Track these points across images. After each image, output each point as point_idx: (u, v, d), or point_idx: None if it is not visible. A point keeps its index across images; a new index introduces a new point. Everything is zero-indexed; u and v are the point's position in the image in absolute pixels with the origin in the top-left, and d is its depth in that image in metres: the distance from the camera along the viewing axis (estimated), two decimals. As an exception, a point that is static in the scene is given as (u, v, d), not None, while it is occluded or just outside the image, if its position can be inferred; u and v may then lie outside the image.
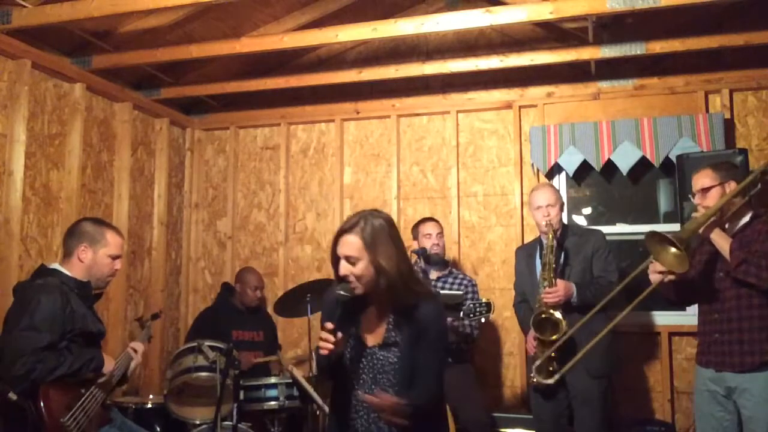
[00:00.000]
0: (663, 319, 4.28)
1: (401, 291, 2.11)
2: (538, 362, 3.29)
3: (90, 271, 2.85)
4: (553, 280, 3.38)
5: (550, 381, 3.14)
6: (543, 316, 3.34)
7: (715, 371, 2.87)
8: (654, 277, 2.87)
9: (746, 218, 2.87)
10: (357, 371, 2.16)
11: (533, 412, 3.65)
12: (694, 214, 2.89)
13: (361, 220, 2.13)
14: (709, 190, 2.86)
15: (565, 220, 3.71)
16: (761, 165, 2.89)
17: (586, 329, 3.12)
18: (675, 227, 3.97)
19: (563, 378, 3.37)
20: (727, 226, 2.87)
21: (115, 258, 2.91)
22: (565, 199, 3.86)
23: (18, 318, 2.61)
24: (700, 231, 2.81)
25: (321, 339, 2.06)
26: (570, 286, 3.37)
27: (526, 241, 4.57)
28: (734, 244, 2.75)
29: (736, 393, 2.80)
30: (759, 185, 2.83)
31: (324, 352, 2.06)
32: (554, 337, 3.26)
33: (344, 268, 2.11)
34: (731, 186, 2.83)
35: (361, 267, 2.09)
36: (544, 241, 3.50)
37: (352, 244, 2.10)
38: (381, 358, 2.15)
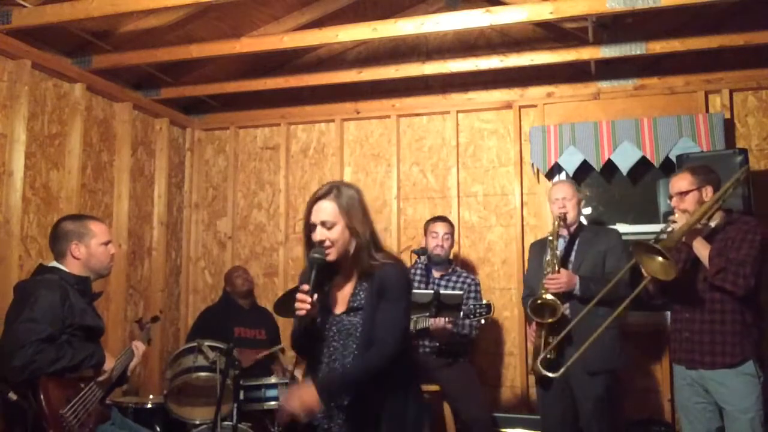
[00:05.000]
0: (663, 318, 4.28)
1: (365, 258, 2.21)
2: (537, 349, 3.35)
3: (89, 264, 2.86)
4: (556, 267, 3.42)
5: (549, 374, 3.16)
6: (539, 301, 3.38)
7: (686, 368, 2.96)
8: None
9: (719, 221, 2.93)
10: (327, 340, 2.23)
11: (539, 410, 3.65)
12: (671, 218, 2.95)
13: (334, 188, 2.23)
14: (686, 194, 2.94)
15: (584, 220, 3.77)
16: (737, 173, 2.97)
17: (587, 324, 3.16)
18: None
19: (566, 375, 3.39)
20: (703, 228, 2.92)
21: (107, 244, 2.93)
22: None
23: (18, 311, 2.63)
24: (684, 239, 2.87)
25: (298, 300, 2.13)
26: (573, 277, 3.40)
27: (525, 242, 4.59)
28: (713, 251, 2.82)
29: (713, 391, 2.87)
30: (732, 190, 2.92)
31: (302, 312, 2.13)
32: (551, 320, 3.32)
33: (321, 233, 2.18)
34: (708, 191, 2.92)
35: (337, 231, 2.18)
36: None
37: (328, 209, 2.19)
38: (347, 323, 2.22)
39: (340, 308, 2.26)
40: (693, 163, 3.27)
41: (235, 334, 4.19)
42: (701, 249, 2.85)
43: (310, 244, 2.23)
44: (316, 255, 2.16)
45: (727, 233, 2.89)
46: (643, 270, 2.93)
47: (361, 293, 2.23)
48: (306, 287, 2.13)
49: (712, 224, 2.93)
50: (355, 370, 2.15)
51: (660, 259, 2.77)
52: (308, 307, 2.12)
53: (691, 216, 2.86)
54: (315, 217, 2.20)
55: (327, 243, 2.18)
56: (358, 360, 2.16)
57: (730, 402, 2.81)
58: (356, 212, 2.21)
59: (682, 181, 2.96)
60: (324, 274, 2.21)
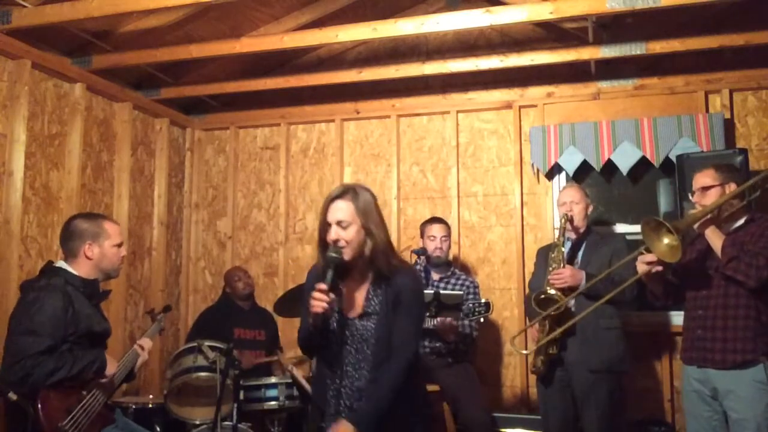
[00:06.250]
0: (663, 318, 4.28)
1: (382, 260, 2.22)
2: (539, 344, 3.36)
3: (100, 265, 2.82)
4: (561, 264, 3.46)
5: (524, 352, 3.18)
6: (543, 296, 3.39)
7: (697, 368, 2.90)
8: (641, 268, 2.89)
9: (741, 221, 2.90)
10: (341, 343, 2.23)
11: (540, 409, 3.65)
12: (691, 211, 2.92)
13: (350, 189, 2.25)
14: (709, 189, 2.90)
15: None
16: (764, 171, 2.90)
17: (592, 321, 3.21)
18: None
19: (568, 375, 3.40)
20: (722, 226, 2.89)
21: (119, 246, 2.90)
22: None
23: (19, 321, 2.61)
24: (696, 226, 2.84)
25: (315, 298, 2.12)
26: (578, 272, 3.42)
27: (525, 242, 4.59)
28: (727, 241, 2.79)
29: (722, 395, 2.81)
30: (759, 191, 2.87)
31: (318, 309, 2.12)
32: (553, 312, 3.31)
33: (335, 232, 2.19)
34: (731, 187, 2.87)
35: (352, 232, 2.19)
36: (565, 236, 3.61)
37: (344, 209, 2.21)
38: (361, 327, 2.23)
39: (353, 312, 2.26)
40: (719, 161, 3.22)
41: (235, 335, 4.19)
42: (714, 238, 2.81)
43: (323, 243, 2.23)
44: (333, 254, 2.17)
45: (748, 229, 2.85)
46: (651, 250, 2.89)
47: (375, 298, 2.23)
48: (324, 285, 2.13)
49: (735, 224, 2.89)
50: (384, 394, 2.15)
51: (666, 240, 2.70)
52: (325, 304, 2.12)
53: (707, 206, 2.83)
54: (331, 217, 2.21)
55: (341, 243, 2.18)
56: (382, 381, 2.15)
57: (737, 409, 2.75)
58: (372, 215, 2.23)
59: (705, 177, 2.93)
60: (338, 274, 2.21)
